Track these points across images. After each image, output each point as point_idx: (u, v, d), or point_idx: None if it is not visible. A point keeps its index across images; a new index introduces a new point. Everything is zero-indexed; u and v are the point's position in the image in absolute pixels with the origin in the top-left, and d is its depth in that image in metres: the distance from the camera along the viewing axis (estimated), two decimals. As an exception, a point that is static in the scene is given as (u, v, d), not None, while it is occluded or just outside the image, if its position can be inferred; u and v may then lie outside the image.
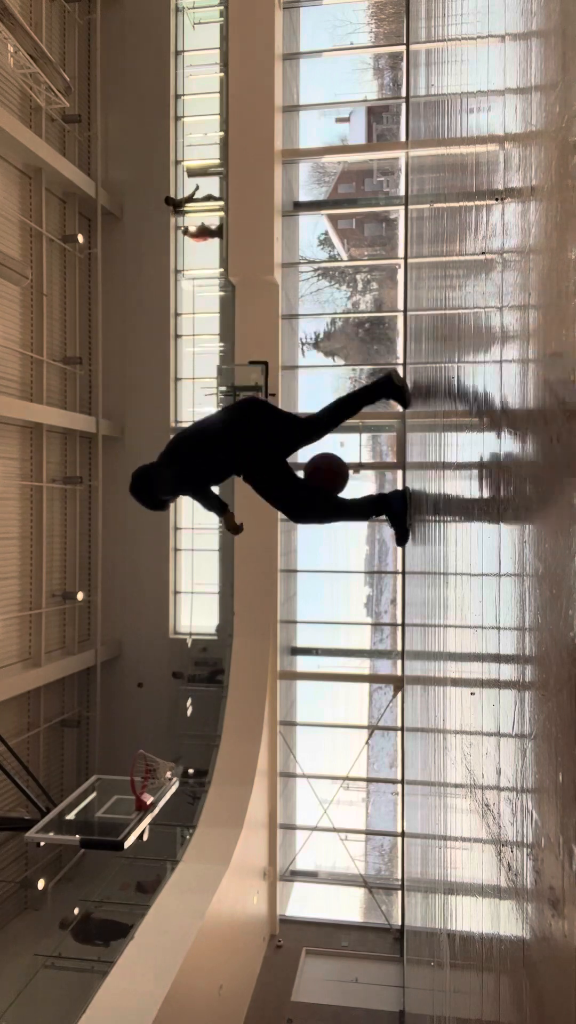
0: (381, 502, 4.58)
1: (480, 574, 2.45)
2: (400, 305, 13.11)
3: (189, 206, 12.99)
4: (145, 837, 7.68)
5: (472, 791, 2.64)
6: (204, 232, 12.85)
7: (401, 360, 12.92)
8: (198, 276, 13.73)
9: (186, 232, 13.09)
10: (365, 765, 13.09)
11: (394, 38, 13.72)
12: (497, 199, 2.11)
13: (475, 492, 2.67)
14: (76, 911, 10.62)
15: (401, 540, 4.78)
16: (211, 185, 13.18)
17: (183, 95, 13.58)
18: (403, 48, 12.75)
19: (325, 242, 14.99)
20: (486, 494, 2.35)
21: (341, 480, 4.48)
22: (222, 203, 12.34)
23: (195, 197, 12.93)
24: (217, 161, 13.23)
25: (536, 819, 1.50)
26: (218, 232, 12.72)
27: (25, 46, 10.37)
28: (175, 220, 13.20)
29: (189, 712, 12.68)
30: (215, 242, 13.22)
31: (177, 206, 12.94)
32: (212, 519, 13.37)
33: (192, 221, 13.14)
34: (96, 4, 13.11)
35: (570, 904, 1.21)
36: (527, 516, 1.63)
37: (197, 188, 12.98)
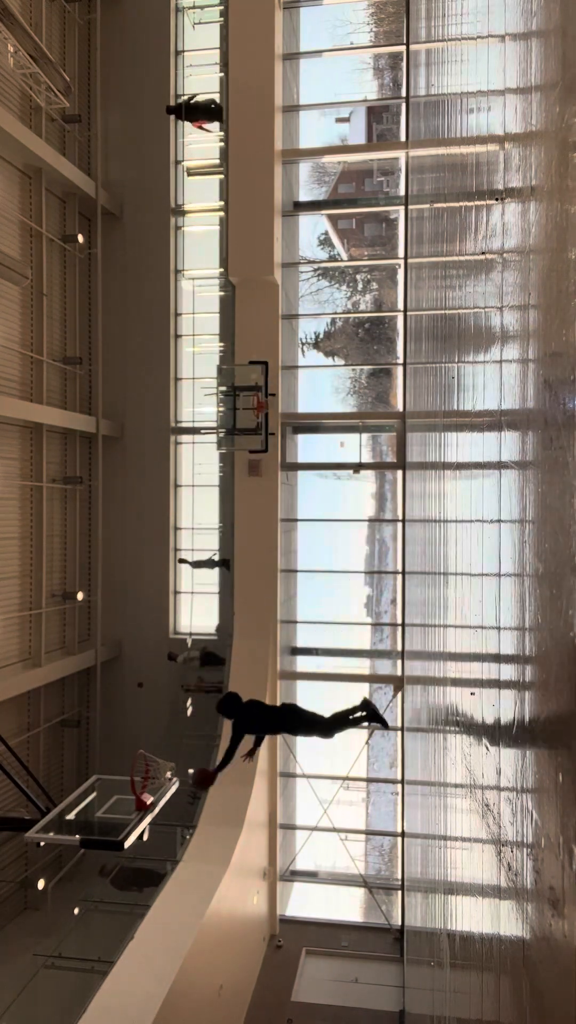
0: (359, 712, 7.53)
1: (480, 574, 2.45)
2: (400, 305, 13.11)
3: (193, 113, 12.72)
4: (145, 837, 7.67)
5: (472, 791, 2.64)
6: (203, 112, 12.53)
7: (401, 360, 12.92)
8: (198, 276, 13.72)
9: (187, 116, 12.63)
10: (365, 765, 13.08)
11: (394, 38, 13.72)
12: (497, 199, 2.11)
13: (475, 491, 2.67)
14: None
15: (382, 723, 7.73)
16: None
17: (183, 95, 13.57)
18: (403, 48, 12.75)
19: (325, 242, 14.98)
20: (486, 494, 2.36)
21: (197, 781, 7.45)
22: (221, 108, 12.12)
23: (197, 100, 12.62)
24: (217, 161, 13.21)
25: (536, 819, 1.50)
26: (217, 114, 12.43)
27: (25, 46, 10.36)
28: (176, 124, 12.93)
29: (189, 712, 12.67)
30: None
31: (179, 113, 12.65)
32: (212, 520, 13.42)
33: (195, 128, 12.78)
34: (96, 4, 13.10)
35: (570, 904, 1.21)
36: (527, 516, 1.63)
37: (195, 96, 12.68)
